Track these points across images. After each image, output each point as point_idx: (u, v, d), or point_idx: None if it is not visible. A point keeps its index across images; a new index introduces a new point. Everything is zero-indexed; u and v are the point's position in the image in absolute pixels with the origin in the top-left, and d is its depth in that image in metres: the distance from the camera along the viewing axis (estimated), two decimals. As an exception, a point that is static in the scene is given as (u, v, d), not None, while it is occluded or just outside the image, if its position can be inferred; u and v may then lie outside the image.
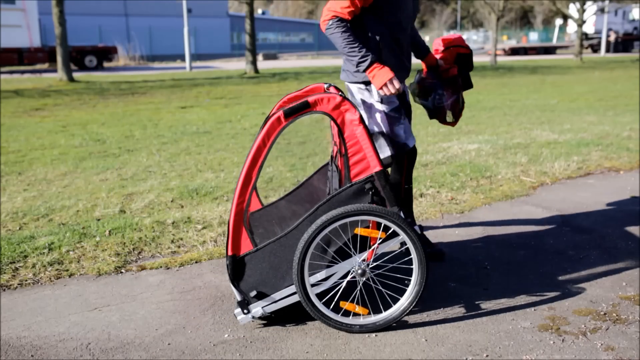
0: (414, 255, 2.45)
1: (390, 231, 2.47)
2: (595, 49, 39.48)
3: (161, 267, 3.26)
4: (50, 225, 3.90)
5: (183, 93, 13.23)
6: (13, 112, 10.02)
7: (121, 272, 3.20)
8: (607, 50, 37.98)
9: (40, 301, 2.86)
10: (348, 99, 2.41)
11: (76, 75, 18.34)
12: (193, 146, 6.69)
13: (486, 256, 3.36)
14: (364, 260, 2.49)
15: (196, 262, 3.32)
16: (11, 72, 21.79)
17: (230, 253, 2.46)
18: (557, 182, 4.98)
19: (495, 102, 10.81)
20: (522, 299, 2.80)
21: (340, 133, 2.41)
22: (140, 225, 3.88)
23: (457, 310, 2.70)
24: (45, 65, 24.77)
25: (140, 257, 3.43)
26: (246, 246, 2.46)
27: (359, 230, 2.44)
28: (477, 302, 2.77)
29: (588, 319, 2.61)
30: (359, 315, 2.54)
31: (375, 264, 2.63)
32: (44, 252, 3.41)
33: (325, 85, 2.70)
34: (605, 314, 2.65)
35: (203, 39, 38.89)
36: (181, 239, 3.68)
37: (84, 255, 3.41)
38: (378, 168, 2.43)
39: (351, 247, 2.49)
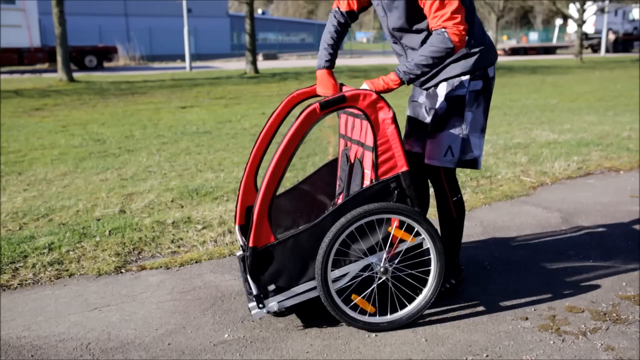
0: (433, 257, 2.52)
1: (413, 233, 2.51)
2: (595, 49, 39.47)
3: (161, 267, 3.26)
4: (50, 225, 3.90)
5: (183, 93, 13.23)
6: (13, 112, 10.02)
7: (121, 272, 3.20)
8: (607, 50, 37.97)
9: (40, 301, 2.86)
10: (383, 98, 2.43)
11: (76, 75, 18.34)
12: (193, 146, 6.69)
13: (486, 256, 3.36)
14: (385, 258, 2.51)
15: (196, 262, 3.32)
16: (11, 72, 21.79)
17: (251, 244, 2.40)
18: (557, 182, 4.98)
19: (495, 102, 10.81)
20: (522, 299, 2.80)
21: (372, 130, 2.43)
22: (140, 225, 3.87)
23: (457, 310, 2.70)
24: (45, 65, 24.76)
25: (140, 257, 3.43)
26: (267, 238, 2.41)
27: (393, 230, 2.49)
28: (477, 302, 2.78)
29: (588, 319, 2.61)
30: (375, 313, 2.55)
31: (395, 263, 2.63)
32: (44, 252, 3.41)
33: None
34: (605, 314, 2.65)
35: (203, 39, 38.88)
36: (181, 239, 3.68)
37: (84, 255, 3.41)
38: (405, 168, 2.48)
39: (374, 244, 2.50)
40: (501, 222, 3.94)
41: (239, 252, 2.90)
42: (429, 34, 2.54)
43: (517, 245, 3.52)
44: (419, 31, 2.56)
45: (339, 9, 2.77)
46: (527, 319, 2.62)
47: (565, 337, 2.46)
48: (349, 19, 2.79)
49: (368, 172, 2.65)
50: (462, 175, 5.08)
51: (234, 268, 3.23)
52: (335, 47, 2.78)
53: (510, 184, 4.87)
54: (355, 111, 2.74)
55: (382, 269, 2.52)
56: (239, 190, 2.87)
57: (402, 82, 2.47)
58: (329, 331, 2.53)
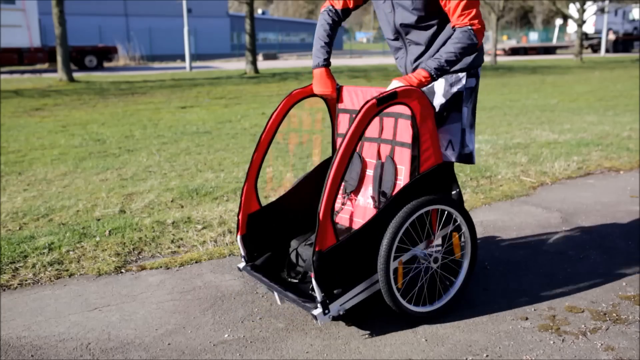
0: (467, 243, 2.65)
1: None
2: (595, 49, 39.47)
3: (161, 267, 3.26)
4: (50, 225, 3.90)
5: (183, 93, 13.23)
6: (13, 112, 10.02)
7: (121, 272, 3.20)
8: (607, 51, 37.97)
9: (40, 301, 2.86)
10: (426, 94, 2.47)
11: (76, 75, 18.33)
12: (193, 146, 6.69)
13: (486, 256, 3.36)
14: (427, 247, 2.60)
15: (196, 262, 3.32)
16: (11, 72, 21.79)
17: (317, 248, 2.31)
18: (557, 182, 4.98)
19: (495, 102, 10.81)
20: (522, 299, 2.80)
21: (415, 125, 2.47)
22: (140, 225, 3.87)
23: (457, 310, 2.69)
24: (45, 65, 24.76)
25: (140, 257, 3.43)
26: (331, 240, 2.33)
27: (455, 236, 2.62)
28: (477, 302, 2.77)
29: (588, 319, 2.61)
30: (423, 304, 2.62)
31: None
32: (44, 252, 3.41)
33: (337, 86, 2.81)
34: (605, 314, 2.66)
35: (203, 39, 38.86)
36: (181, 239, 3.68)
37: (84, 255, 3.41)
38: (441, 160, 2.57)
39: (424, 233, 2.57)
40: (501, 222, 3.94)
41: (242, 264, 2.81)
42: (437, 29, 2.59)
43: (517, 245, 3.52)
44: (428, 27, 2.59)
45: (333, 7, 2.78)
46: (527, 319, 2.62)
47: (565, 337, 2.46)
48: (343, 16, 2.80)
49: (401, 168, 2.65)
50: (462, 175, 5.08)
51: (233, 268, 3.23)
52: (330, 45, 2.79)
53: (510, 184, 4.87)
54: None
55: (432, 258, 2.60)
56: (241, 200, 2.75)
57: (432, 79, 2.49)
58: (329, 331, 2.53)
